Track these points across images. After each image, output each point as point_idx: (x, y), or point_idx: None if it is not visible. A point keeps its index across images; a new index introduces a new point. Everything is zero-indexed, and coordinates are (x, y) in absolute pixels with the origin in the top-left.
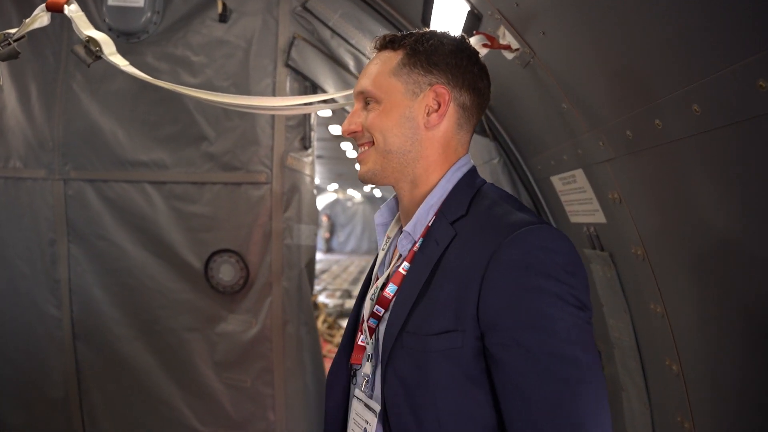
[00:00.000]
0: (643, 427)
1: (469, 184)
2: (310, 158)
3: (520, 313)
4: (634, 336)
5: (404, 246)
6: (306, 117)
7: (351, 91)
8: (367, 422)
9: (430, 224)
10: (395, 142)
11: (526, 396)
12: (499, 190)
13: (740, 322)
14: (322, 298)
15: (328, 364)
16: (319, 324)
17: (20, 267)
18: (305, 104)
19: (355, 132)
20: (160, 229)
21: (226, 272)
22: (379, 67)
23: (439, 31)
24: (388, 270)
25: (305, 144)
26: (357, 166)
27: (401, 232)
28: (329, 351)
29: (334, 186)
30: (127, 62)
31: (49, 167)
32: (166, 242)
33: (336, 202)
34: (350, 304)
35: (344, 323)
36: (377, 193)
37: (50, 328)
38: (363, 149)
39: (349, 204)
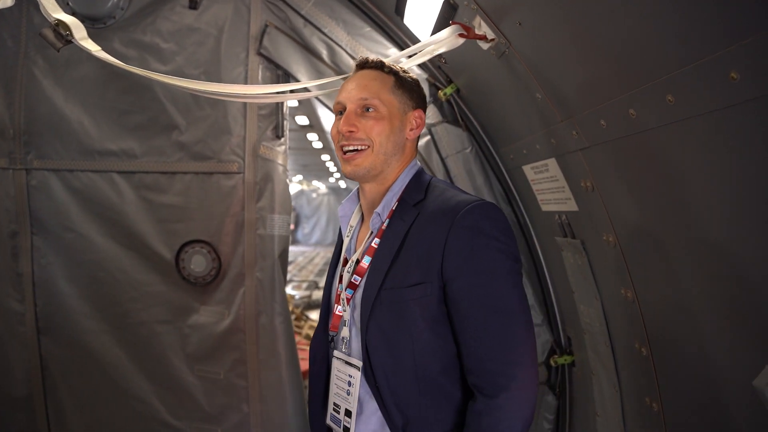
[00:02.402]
0: (612, 409)
1: (421, 178)
2: (283, 147)
3: (473, 263)
4: (605, 321)
5: (375, 225)
6: (279, 106)
7: (324, 81)
8: (350, 376)
9: (393, 208)
10: (389, 146)
11: (475, 323)
12: (445, 181)
13: (708, 306)
14: (288, 290)
15: (300, 355)
16: None
17: None
18: (279, 92)
19: (353, 132)
20: (129, 220)
21: (197, 263)
22: (379, 83)
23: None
24: (361, 248)
25: (278, 133)
26: (332, 165)
27: (362, 221)
28: (298, 342)
29: (299, 177)
30: (99, 47)
31: (10, 156)
32: (135, 233)
33: (301, 193)
34: (318, 295)
35: (312, 315)
36: (342, 184)
37: (12, 323)
38: (356, 148)
39: (314, 195)
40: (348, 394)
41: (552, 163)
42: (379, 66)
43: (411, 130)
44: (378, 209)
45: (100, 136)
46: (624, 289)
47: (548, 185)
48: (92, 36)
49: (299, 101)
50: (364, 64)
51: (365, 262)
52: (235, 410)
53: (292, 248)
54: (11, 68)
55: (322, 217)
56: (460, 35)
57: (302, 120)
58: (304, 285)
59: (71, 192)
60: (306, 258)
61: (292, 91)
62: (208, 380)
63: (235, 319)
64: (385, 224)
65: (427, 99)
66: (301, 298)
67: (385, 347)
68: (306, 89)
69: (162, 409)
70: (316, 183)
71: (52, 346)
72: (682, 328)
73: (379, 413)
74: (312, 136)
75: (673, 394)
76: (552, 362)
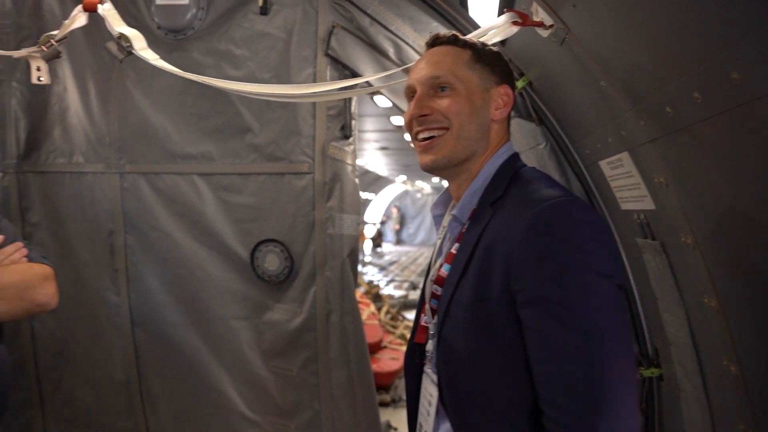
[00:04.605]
0: None
1: (509, 168)
2: (352, 147)
3: (540, 276)
4: (690, 332)
5: (454, 229)
6: (346, 106)
7: (385, 74)
8: (431, 395)
9: (475, 207)
10: (471, 129)
11: (545, 359)
12: (537, 172)
13: None
14: (389, 290)
15: (389, 355)
16: (382, 315)
17: (84, 256)
18: (342, 89)
19: (426, 115)
20: (208, 219)
21: (271, 262)
22: (452, 58)
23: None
24: (444, 254)
25: (346, 133)
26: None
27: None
28: (391, 342)
29: (403, 177)
30: (157, 56)
31: (107, 161)
32: (214, 232)
33: (405, 193)
34: (414, 295)
35: (408, 314)
36: (446, 183)
37: (111, 315)
38: (434, 134)
39: (418, 195)
40: (428, 414)
41: (625, 157)
42: (452, 40)
43: (497, 109)
44: (455, 211)
45: (181, 141)
46: (707, 297)
47: (624, 182)
48: (174, 48)
49: (392, 102)
50: (434, 41)
51: (444, 270)
52: (307, 407)
53: (396, 248)
54: (107, 81)
55: (427, 217)
56: (515, 23)
57: (398, 120)
58: (405, 285)
59: (157, 193)
60: (409, 258)
61: (355, 87)
62: (281, 376)
63: (307, 317)
64: (465, 227)
65: None
66: (399, 298)
67: (454, 367)
68: (368, 84)
69: (239, 402)
70: (419, 183)
71: (143, 337)
72: None
73: None
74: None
75: None
76: (637, 375)
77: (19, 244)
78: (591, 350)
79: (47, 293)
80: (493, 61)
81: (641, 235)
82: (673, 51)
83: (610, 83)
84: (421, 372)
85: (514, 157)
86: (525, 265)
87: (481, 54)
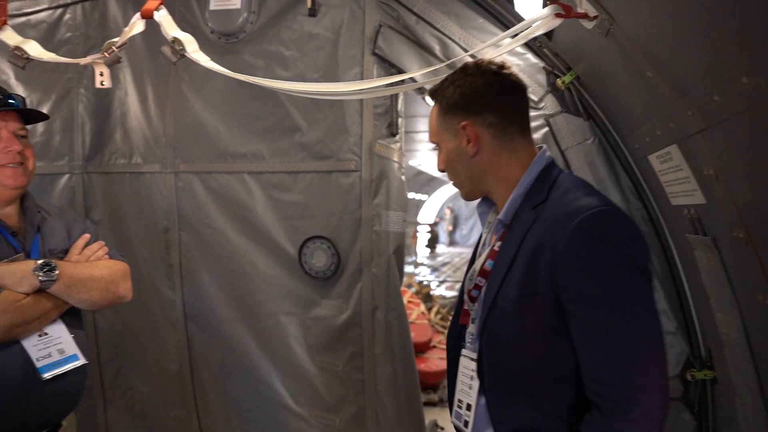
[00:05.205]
0: None
1: (547, 176)
2: (398, 145)
3: (588, 275)
4: (744, 333)
5: (498, 229)
6: (393, 103)
7: (430, 69)
8: (473, 370)
9: (517, 208)
10: (461, 173)
11: (589, 343)
12: (575, 179)
13: None
14: (441, 290)
15: (438, 354)
16: (432, 315)
17: (142, 252)
18: (388, 85)
19: (443, 170)
20: (258, 217)
21: (318, 258)
22: (433, 118)
23: (466, 63)
24: (488, 249)
25: (393, 131)
26: None
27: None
28: (440, 342)
29: None
30: (208, 58)
31: (163, 162)
32: (263, 229)
33: (458, 194)
34: None
35: None
36: None
37: (166, 308)
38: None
39: None
40: (470, 388)
41: (674, 150)
42: (432, 97)
43: (467, 144)
44: (501, 215)
45: (233, 141)
46: (762, 295)
47: (674, 176)
48: (226, 50)
49: None
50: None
51: (488, 265)
52: (351, 402)
53: (449, 249)
54: (164, 85)
55: None
56: (558, 15)
57: None
58: (457, 286)
59: (209, 192)
60: (462, 259)
61: (393, 84)
62: (327, 371)
63: (353, 313)
64: (509, 228)
65: (546, 89)
66: (450, 298)
67: (498, 353)
68: (413, 80)
69: (286, 396)
70: None
71: (195, 330)
72: None
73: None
74: None
75: None
76: (688, 376)
77: (102, 242)
78: (631, 335)
79: (127, 287)
80: (452, 100)
81: (692, 230)
82: (720, 35)
83: (657, 73)
84: (460, 351)
85: (551, 165)
86: (571, 265)
87: (442, 99)
